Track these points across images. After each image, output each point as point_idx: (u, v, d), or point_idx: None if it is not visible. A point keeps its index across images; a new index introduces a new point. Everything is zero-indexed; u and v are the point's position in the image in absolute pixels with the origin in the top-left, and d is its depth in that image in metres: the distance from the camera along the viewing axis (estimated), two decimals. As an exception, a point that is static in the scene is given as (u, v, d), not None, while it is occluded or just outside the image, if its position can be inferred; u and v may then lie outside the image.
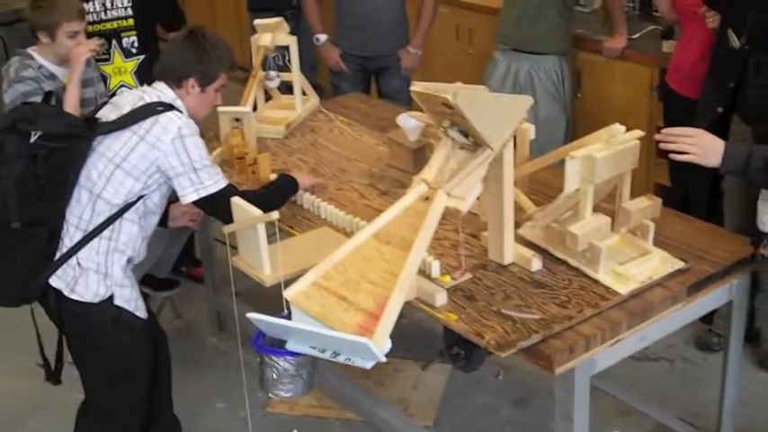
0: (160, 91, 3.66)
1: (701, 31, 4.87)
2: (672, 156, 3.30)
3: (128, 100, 3.66)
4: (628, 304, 3.22)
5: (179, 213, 4.00)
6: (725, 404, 3.85)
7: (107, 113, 3.64)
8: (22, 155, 3.44)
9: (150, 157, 3.51)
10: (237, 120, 4.42)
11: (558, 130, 5.67)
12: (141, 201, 3.58)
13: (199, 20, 9.08)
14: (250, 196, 3.62)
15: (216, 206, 3.64)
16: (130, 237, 3.60)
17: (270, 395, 3.44)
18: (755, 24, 4.24)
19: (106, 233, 3.55)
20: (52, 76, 4.48)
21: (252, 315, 2.98)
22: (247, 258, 3.57)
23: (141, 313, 3.70)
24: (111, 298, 3.58)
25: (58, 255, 3.55)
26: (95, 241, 3.54)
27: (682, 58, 5.11)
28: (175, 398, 4.11)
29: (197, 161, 3.55)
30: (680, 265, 3.37)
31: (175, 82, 3.68)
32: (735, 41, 4.35)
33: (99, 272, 3.55)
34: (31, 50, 4.50)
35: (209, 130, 4.61)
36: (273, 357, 3.29)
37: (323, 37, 5.97)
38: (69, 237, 3.55)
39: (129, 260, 3.64)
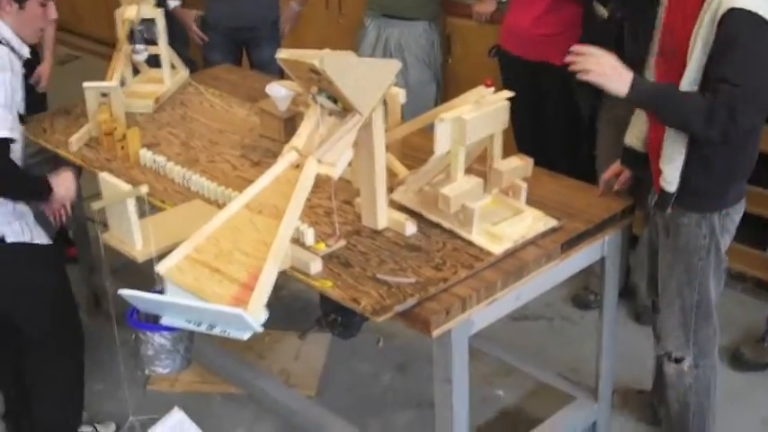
0: None
1: None
2: (578, 76, 3.21)
3: None
4: (502, 264, 3.23)
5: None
6: (603, 359, 3.90)
7: None
8: None
9: None
10: (105, 95, 4.32)
11: (428, 96, 5.70)
12: None
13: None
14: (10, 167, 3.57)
15: None
16: None
17: (148, 372, 3.40)
18: None
19: None
20: None
21: (124, 291, 2.92)
22: (118, 234, 3.50)
23: (41, 240, 3.72)
24: (2, 239, 3.61)
25: None
26: None
27: (516, 19, 5.10)
28: (52, 382, 4.02)
29: None
30: (553, 223, 3.39)
31: None
32: (602, 12, 4.35)
33: None
34: None
35: (75, 107, 4.53)
36: (149, 333, 3.25)
37: (173, 3, 5.87)
38: None
39: None
